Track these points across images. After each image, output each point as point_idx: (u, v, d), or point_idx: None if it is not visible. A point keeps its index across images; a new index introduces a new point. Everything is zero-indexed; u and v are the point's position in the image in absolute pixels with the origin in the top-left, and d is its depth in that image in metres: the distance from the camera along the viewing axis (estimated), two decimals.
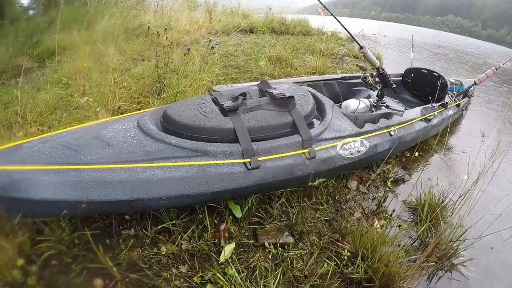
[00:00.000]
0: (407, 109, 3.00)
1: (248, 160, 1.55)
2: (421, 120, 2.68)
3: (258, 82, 2.19)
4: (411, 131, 2.52)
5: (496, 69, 3.50)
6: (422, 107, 2.84)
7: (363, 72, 2.72)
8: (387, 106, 2.97)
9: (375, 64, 2.57)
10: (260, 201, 1.97)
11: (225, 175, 1.49)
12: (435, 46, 11.04)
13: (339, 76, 3.13)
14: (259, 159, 1.57)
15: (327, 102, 2.20)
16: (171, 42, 4.12)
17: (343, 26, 2.52)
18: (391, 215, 2.15)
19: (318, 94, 2.28)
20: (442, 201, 2.15)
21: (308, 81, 2.92)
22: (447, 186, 2.22)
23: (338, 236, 1.86)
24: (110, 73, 3.76)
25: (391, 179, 2.47)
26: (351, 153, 2.02)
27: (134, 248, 1.51)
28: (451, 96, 3.45)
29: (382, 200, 2.22)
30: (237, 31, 6.72)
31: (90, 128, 1.53)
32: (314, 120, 2.08)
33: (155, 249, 1.52)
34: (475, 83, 3.49)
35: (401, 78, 3.75)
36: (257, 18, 7.29)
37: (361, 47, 2.45)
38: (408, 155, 2.88)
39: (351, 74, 3.25)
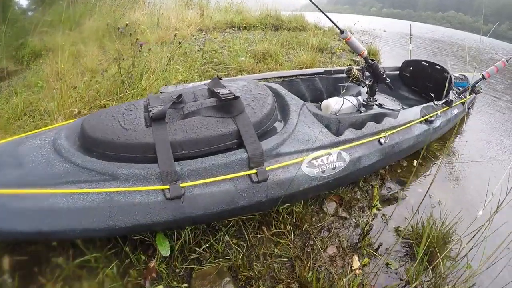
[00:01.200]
0: (404, 109, 2.38)
1: (167, 186, 1.08)
2: (420, 122, 2.07)
3: (210, 81, 1.63)
4: (409, 137, 1.91)
5: (508, 61, 2.82)
6: (422, 106, 2.22)
7: (348, 64, 2.11)
8: (380, 105, 2.36)
9: (361, 53, 1.95)
10: (204, 231, 1.45)
11: (137, 207, 1.07)
12: (434, 40, 10.20)
13: (321, 70, 2.52)
14: (182, 185, 1.10)
15: (294, 102, 1.60)
16: (136, 43, 3.68)
17: (322, 12, 1.91)
18: (377, 249, 1.56)
19: (285, 93, 1.69)
20: (446, 234, 1.54)
21: (283, 76, 2.33)
22: (453, 206, 1.66)
23: (297, 286, 1.29)
24: (86, 74, 3.34)
25: (380, 198, 1.87)
26: (323, 171, 1.43)
27: (58, 281, 1.21)
28: (456, 92, 2.81)
29: (367, 228, 1.63)
30: (230, 28, 6.16)
31: (14, 143, 1.21)
32: (278, 126, 1.51)
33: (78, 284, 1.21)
34: (483, 77, 2.82)
35: (398, 72, 3.11)
36: (251, 14, 6.67)
37: (342, 32, 1.84)
38: (405, 164, 2.26)
39: (337, 68, 2.62)
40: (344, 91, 2.26)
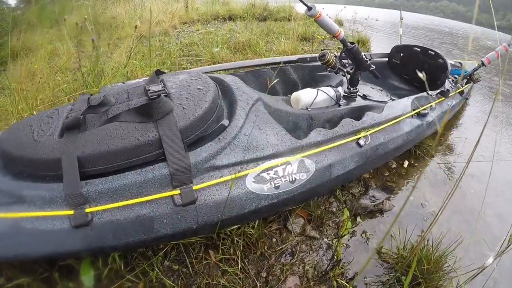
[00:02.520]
0: (393, 100, 1.98)
1: (71, 212, 0.83)
2: (412, 116, 1.67)
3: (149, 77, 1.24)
4: (397, 135, 1.51)
5: (509, 45, 2.39)
6: (414, 96, 1.81)
7: (322, 49, 1.71)
8: (364, 97, 1.96)
9: (336, 35, 1.54)
10: (142, 253, 1.14)
11: (43, 234, 0.83)
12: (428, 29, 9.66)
13: (295, 57, 2.10)
14: (88, 210, 0.83)
15: (244, 98, 1.19)
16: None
17: None
18: (351, 279, 1.18)
19: (236, 86, 1.27)
20: (440, 261, 1.16)
21: (248, 66, 1.93)
22: (449, 217, 1.35)
23: None
24: (59, 74, 2.99)
25: (361, 211, 1.49)
26: (277, 186, 1.04)
27: None
28: (452, 81, 2.41)
29: (339, 251, 1.25)
30: (215, 19, 5.71)
31: None
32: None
33: None
34: (482, 64, 2.38)
35: (386, 59, 2.69)
36: (238, 5, 6.20)
37: (309, 8, 1.43)
38: (394, 166, 1.85)
39: (314, 55, 2.20)
40: (329, 82, 1.88)
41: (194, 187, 0.88)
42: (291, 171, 1.08)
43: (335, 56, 1.66)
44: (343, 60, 1.77)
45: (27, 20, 4.73)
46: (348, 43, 1.64)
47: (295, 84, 2.05)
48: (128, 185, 0.86)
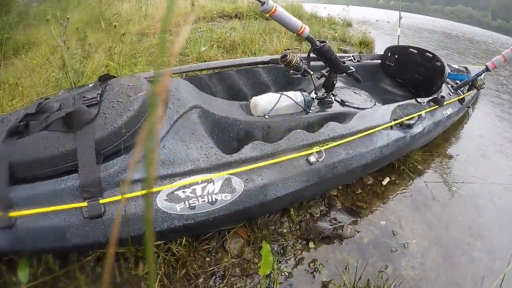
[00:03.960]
0: (376, 106, 1.73)
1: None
2: (391, 127, 1.41)
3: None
4: (365, 150, 1.24)
5: None
6: (397, 104, 1.55)
7: (286, 48, 1.47)
8: (342, 102, 1.70)
9: (299, 32, 1.30)
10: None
11: None
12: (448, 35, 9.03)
13: (267, 58, 1.87)
14: (12, 214, 0.79)
15: (176, 106, 1.03)
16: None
17: None
18: None
19: (175, 92, 1.09)
20: None
21: (214, 68, 1.72)
22: (426, 251, 1.18)
23: None
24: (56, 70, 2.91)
25: (315, 236, 1.24)
26: (192, 207, 0.87)
27: None
28: (452, 87, 2.10)
29: (277, 280, 1.02)
30: (221, 17, 5.52)
31: None
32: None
33: None
34: (486, 69, 2.04)
35: (380, 61, 2.40)
36: (245, 3, 5.96)
37: (262, 3, 1.20)
38: (370, 182, 1.58)
39: None
40: (308, 85, 1.64)
41: (101, 201, 0.81)
42: (211, 190, 0.89)
43: (301, 58, 1.41)
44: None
45: (33, 14, 4.72)
46: (317, 41, 1.39)
47: (267, 87, 1.81)
48: (46, 193, 0.82)
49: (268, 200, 1.00)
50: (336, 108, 1.63)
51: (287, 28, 1.29)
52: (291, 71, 1.40)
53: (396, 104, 1.53)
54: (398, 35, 2.66)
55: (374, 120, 1.36)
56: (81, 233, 0.83)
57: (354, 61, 2.19)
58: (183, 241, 1.07)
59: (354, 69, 1.56)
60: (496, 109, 3.02)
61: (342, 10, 5.79)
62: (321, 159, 1.10)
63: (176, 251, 1.05)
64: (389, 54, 2.31)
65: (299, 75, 1.44)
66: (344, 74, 1.59)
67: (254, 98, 1.40)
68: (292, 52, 1.37)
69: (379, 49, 4.31)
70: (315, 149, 1.11)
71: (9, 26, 4.11)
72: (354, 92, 1.87)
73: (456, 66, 2.75)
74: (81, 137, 0.84)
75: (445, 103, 1.78)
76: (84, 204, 0.81)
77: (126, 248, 0.97)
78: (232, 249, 1.12)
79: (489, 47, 7.23)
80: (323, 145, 1.14)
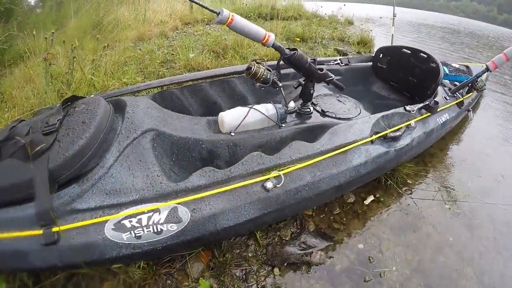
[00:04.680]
0: (357, 118, 1.58)
1: None
2: (371, 141, 1.27)
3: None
4: (337, 170, 1.11)
5: None
6: (382, 114, 1.40)
7: (254, 59, 1.34)
8: (323, 113, 1.57)
9: (263, 41, 1.17)
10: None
11: None
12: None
13: (241, 68, 1.73)
14: None
15: (128, 130, 1.00)
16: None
17: None
18: None
19: (131, 115, 1.07)
20: None
21: (186, 81, 1.61)
22: (407, 281, 1.06)
23: None
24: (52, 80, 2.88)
25: (282, 261, 1.13)
26: (138, 236, 0.83)
27: None
28: (450, 89, 1.92)
29: None
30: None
31: None
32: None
33: None
34: (487, 69, 1.83)
35: (371, 64, 2.23)
36: (245, 4, 5.83)
37: (217, 13, 1.08)
38: (351, 200, 1.43)
39: (270, 63, 1.81)
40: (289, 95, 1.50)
41: (54, 229, 0.81)
42: (157, 220, 0.85)
43: (269, 69, 1.28)
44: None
45: (33, 23, 4.74)
46: (286, 50, 1.26)
47: (243, 98, 1.69)
48: (9, 220, 0.83)
49: (219, 229, 0.90)
50: (315, 119, 1.50)
51: (249, 38, 1.17)
52: (258, 84, 1.27)
53: (380, 115, 1.38)
54: (392, 34, 2.47)
55: (349, 136, 1.21)
56: (41, 258, 0.84)
57: (342, 65, 2.03)
58: (141, 264, 1.00)
59: (333, 77, 1.42)
60: (499, 112, 2.79)
61: (339, 8, 5.56)
62: (280, 184, 0.98)
63: (135, 273, 0.97)
64: (380, 56, 2.14)
65: (270, 87, 1.31)
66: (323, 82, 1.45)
67: (220, 114, 1.29)
68: (258, 63, 1.25)
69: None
70: (273, 173, 0.99)
71: (9, 35, 4.11)
72: (338, 100, 1.72)
73: (457, 65, 2.54)
74: (37, 166, 0.85)
75: (440, 108, 1.61)
76: (40, 231, 0.81)
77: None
78: (192, 273, 1.03)
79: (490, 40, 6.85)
80: (283, 169, 1.01)
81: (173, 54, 3.29)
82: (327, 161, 1.10)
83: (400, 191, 1.52)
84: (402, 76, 2.03)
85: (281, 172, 0.99)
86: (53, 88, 2.11)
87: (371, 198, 1.44)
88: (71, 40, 4.03)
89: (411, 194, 1.53)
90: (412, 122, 1.43)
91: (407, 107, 1.49)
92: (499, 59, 1.77)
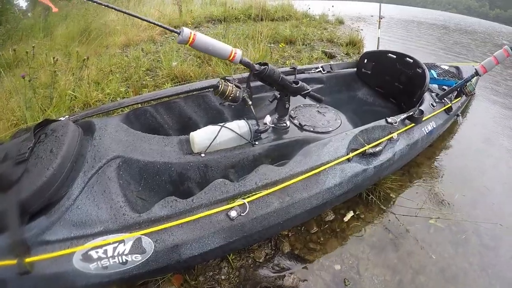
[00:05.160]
0: (340, 129, 1.52)
1: None
2: (348, 159, 1.18)
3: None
4: (308, 194, 1.03)
5: None
6: (361, 128, 1.30)
7: (221, 77, 1.26)
8: (301, 127, 1.50)
9: (230, 58, 1.10)
10: None
11: None
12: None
13: (216, 81, 1.63)
14: None
15: (93, 159, 0.99)
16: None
17: None
18: None
19: (98, 141, 1.05)
20: None
21: (159, 98, 1.52)
22: None
23: None
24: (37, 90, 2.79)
25: (253, 285, 1.06)
26: (104, 267, 0.82)
27: None
28: (437, 95, 1.80)
29: None
30: (209, 22, 5.33)
31: None
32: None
33: None
34: (476, 73, 1.71)
35: (355, 69, 2.15)
36: (235, 6, 5.73)
37: (178, 33, 1.01)
38: (329, 218, 1.35)
39: (242, 75, 1.66)
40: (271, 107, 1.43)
41: (27, 260, 0.80)
42: (122, 251, 0.83)
43: (239, 85, 1.22)
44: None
45: (22, 29, 4.64)
46: (256, 65, 1.20)
47: (219, 113, 1.62)
48: None
49: (184, 258, 0.86)
50: (292, 134, 1.43)
51: (215, 56, 1.10)
52: (227, 103, 1.20)
53: (358, 129, 1.29)
54: (378, 38, 2.39)
55: (323, 155, 1.14)
56: (18, 286, 0.84)
57: (323, 72, 1.95)
58: None
59: (309, 89, 1.35)
60: (490, 114, 2.72)
61: (328, 9, 5.46)
62: (245, 213, 0.92)
63: None
64: (365, 61, 2.07)
65: (244, 105, 1.24)
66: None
67: (191, 134, 1.22)
68: (226, 80, 1.18)
69: (371, 48, 4.04)
70: (237, 202, 0.93)
71: None
72: (318, 111, 1.65)
73: (446, 67, 2.47)
74: (7, 198, 0.84)
75: (426, 117, 1.52)
76: (14, 261, 0.80)
77: None
78: None
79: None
80: (248, 196, 0.95)
81: (158, 61, 3.21)
82: (298, 185, 1.03)
83: (382, 206, 1.45)
84: (388, 82, 1.96)
85: (245, 200, 0.93)
86: (35, 102, 2.03)
87: (350, 214, 1.38)
88: (59, 47, 3.95)
89: (393, 209, 1.45)
90: (395, 134, 1.34)
91: (389, 119, 1.40)
92: (489, 62, 1.68)
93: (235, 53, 1.09)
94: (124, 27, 4.57)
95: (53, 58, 2.54)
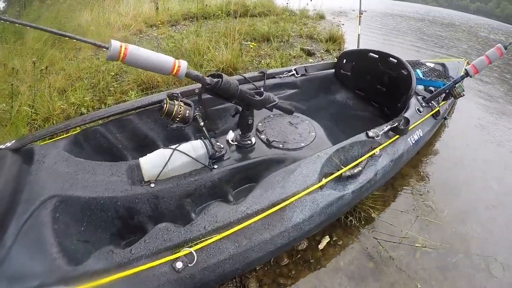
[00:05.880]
0: (314, 144, 1.34)
1: None
2: (320, 187, 0.97)
3: None
4: (270, 235, 0.84)
5: (506, 48, 1.49)
6: (337, 147, 1.10)
7: (169, 93, 1.05)
8: (269, 144, 1.31)
9: (173, 72, 0.90)
10: None
11: None
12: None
13: (178, 90, 1.42)
14: None
15: (26, 202, 0.81)
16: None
17: None
18: None
19: (30, 179, 0.88)
20: None
21: (110, 115, 1.28)
22: None
23: None
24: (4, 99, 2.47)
25: None
26: None
27: None
28: (424, 98, 1.61)
29: None
30: (187, 19, 5.05)
31: None
32: None
33: None
34: (467, 74, 1.54)
35: (333, 71, 1.94)
36: (213, 2, 5.43)
37: (106, 48, 0.80)
38: (302, 246, 1.16)
39: (188, 87, 1.38)
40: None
41: None
42: None
43: (188, 103, 1.01)
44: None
45: None
46: (207, 78, 0.99)
47: (180, 129, 1.40)
48: None
49: None
50: (259, 152, 1.24)
51: (154, 72, 0.89)
52: (175, 125, 0.99)
53: (333, 149, 1.08)
54: (358, 35, 2.19)
55: (289, 186, 0.93)
56: None
57: (297, 76, 1.74)
58: None
59: (276, 101, 1.15)
60: (479, 115, 2.57)
61: (306, 3, 5.23)
62: (192, 263, 0.73)
63: None
64: (344, 62, 1.86)
65: (181, 126, 1.02)
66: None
67: (140, 160, 1.02)
68: (173, 98, 0.97)
69: (353, 45, 3.85)
70: (182, 252, 0.74)
71: None
72: (290, 123, 1.46)
73: (432, 65, 2.25)
74: None
75: (412, 126, 1.34)
76: None
77: None
78: None
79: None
80: (196, 244, 0.76)
81: (123, 68, 2.94)
82: (257, 225, 0.84)
83: (361, 229, 1.27)
84: (369, 84, 1.77)
85: (192, 249, 0.74)
86: None
87: (326, 240, 1.20)
88: (31, 51, 3.63)
89: (375, 232, 1.27)
90: (377, 150, 1.15)
91: (370, 133, 1.19)
92: (480, 62, 1.49)
93: (178, 66, 0.88)
94: (98, 28, 4.26)
95: (13, 68, 2.26)
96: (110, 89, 2.39)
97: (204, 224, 0.79)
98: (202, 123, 0.98)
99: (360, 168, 1.06)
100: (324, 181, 0.97)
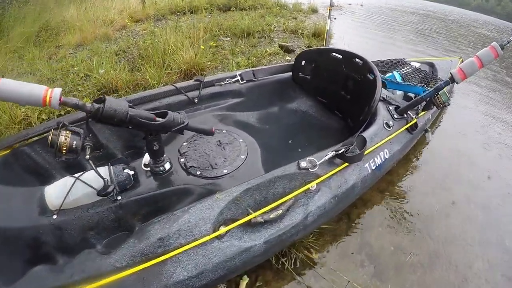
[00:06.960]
0: (241, 168, 1.12)
1: None
2: (217, 237, 0.74)
3: None
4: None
5: (503, 48, 1.14)
6: (251, 184, 0.83)
7: (58, 124, 0.83)
8: (186, 169, 1.06)
9: (45, 101, 0.69)
10: None
11: None
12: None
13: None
14: None
15: None
16: None
17: None
18: None
19: None
20: None
21: (34, 135, 1.10)
22: None
23: None
24: None
25: None
26: None
27: None
28: (397, 108, 1.33)
29: None
30: (173, 13, 4.79)
31: None
32: None
33: None
34: (452, 80, 1.20)
35: (291, 73, 1.65)
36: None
37: None
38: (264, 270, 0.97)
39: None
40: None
41: None
42: None
43: (77, 132, 0.81)
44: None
45: None
46: (88, 105, 0.78)
47: (106, 147, 1.20)
48: None
49: None
50: (175, 180, 1.03)
51: (24, 104, 0.70)
52: (64, 158, 0.79)
53: (244, 185, 0.82)
54: (327, 30, 1.88)
55: (172, 235, 0.71)
56: None
57: (242, 82, 1.46)
58: None
59: (184, 123, 0.92)
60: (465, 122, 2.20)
61: None
62: None
63: None
64: (302, 63, 1.57)
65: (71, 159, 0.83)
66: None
67: (45, 188, 0.87)
68: (60, 128, 0.77)
69: (340, 41, 3.52)
70: None
71: None
72: (219, 144, 1.22)
73: (417, 64, 1.91)
74: None
75: (372, 148, 1.08)
76: None
77: None
78: None
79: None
80: None
81: (102, 63, 2.74)
82: (132, 279, 0.65)
83: (295, 275, 1.00)
84: (333, 90, 1.51)
85: None
86: None
87: (245, 281, 0.97)
88: (15, 49, 3.46)
89: (313, 279, 1.01)
90: (313, 184, 0.90)
91: (303, 163, 0.91)
92: (469, 65, 1.17)
93: (50, 96, 0.68)
94: (83, 23, 4.08)
95: None
96: (74, 93, 2.21)
97: (72, 272, 0.62)
98: (88, 156, 0.78)
99: (280, 211, 0.83)
100: (222, 230, 0.76)
